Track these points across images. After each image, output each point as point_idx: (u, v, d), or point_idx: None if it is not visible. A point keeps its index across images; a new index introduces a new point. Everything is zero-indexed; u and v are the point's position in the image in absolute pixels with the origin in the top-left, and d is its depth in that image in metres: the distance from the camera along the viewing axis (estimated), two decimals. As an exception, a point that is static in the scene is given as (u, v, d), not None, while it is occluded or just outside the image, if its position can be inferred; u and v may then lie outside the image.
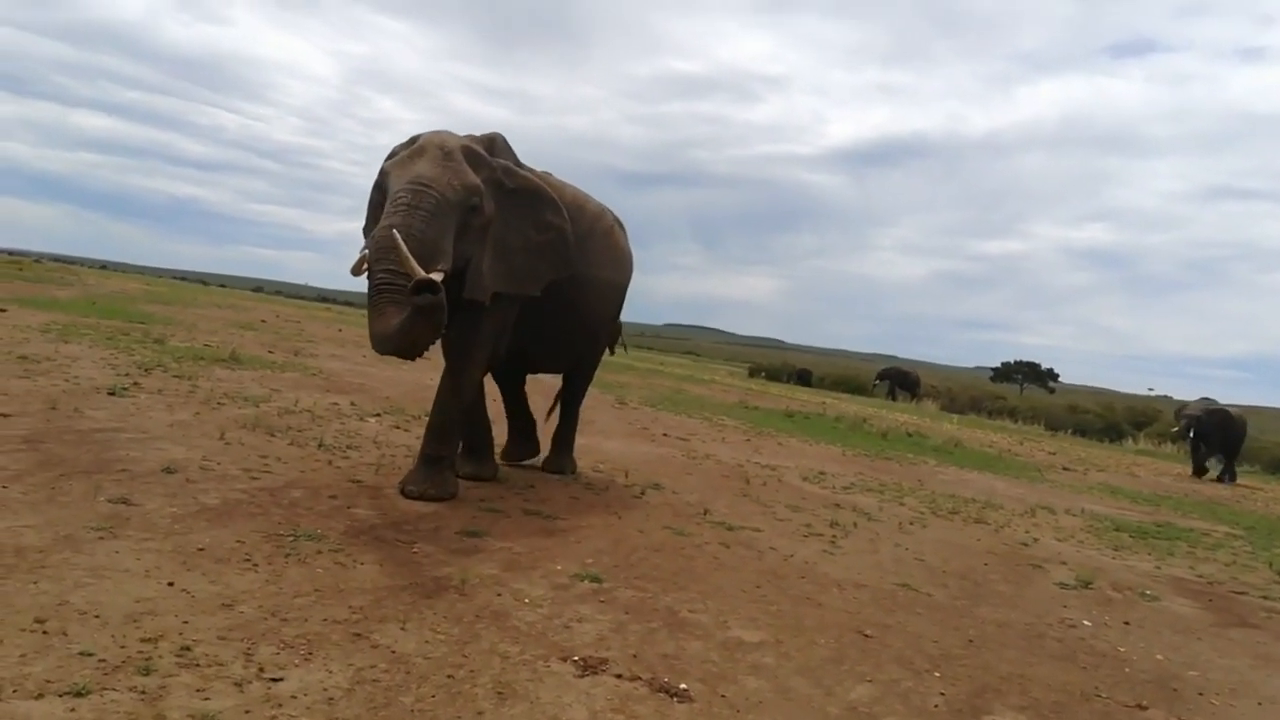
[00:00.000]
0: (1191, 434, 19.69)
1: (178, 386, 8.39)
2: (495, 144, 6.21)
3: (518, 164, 6.34)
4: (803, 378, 42.85)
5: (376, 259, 5.14)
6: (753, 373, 45.37)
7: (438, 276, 5.01)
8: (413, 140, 5.85)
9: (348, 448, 6.93)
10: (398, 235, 4.97)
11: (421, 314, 4.88)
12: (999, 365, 66.19)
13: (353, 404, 9.21)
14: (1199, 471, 19.50)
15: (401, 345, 5.08)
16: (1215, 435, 19.40)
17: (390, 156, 5.83)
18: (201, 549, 4.06)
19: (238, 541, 4.25)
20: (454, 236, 5.47)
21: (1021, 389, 58.36)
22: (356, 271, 5.38)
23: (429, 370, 6.50)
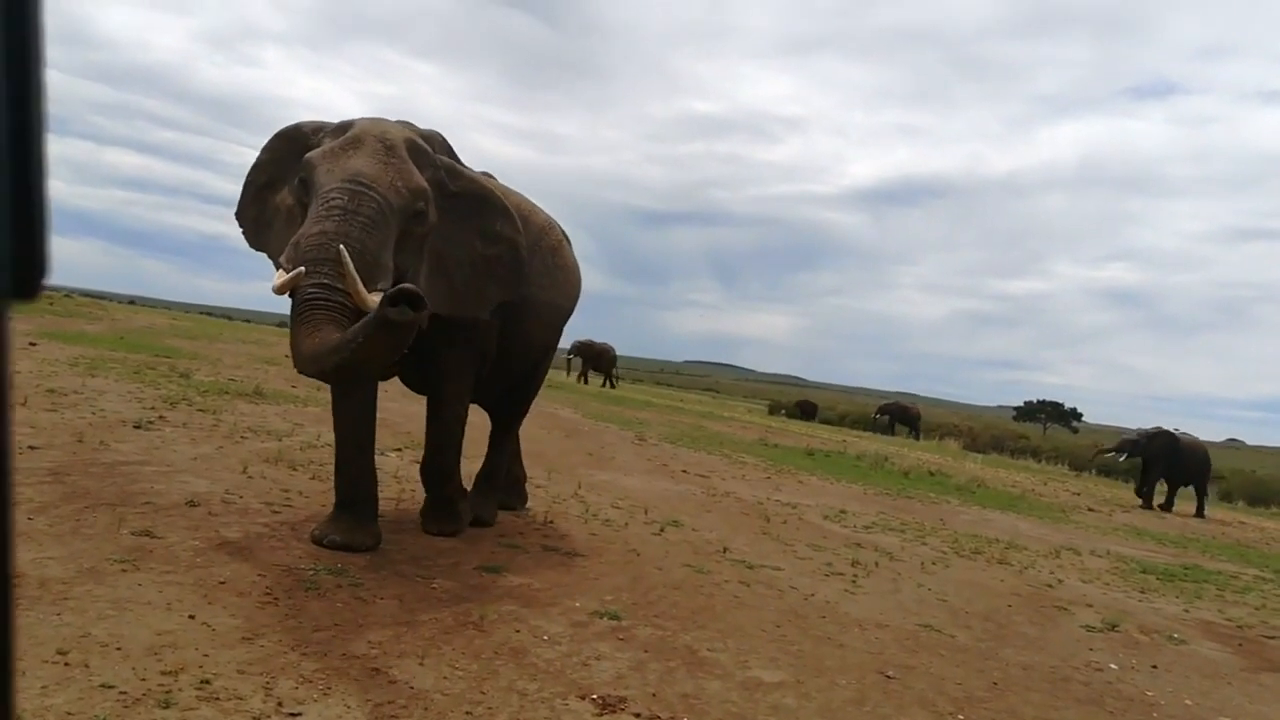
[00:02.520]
0: (1125, 457, 18.86)
1: (202, 420, 8.47)
2: (434, 143, 5.29)
3: (459, 165, 5.48)
4: (806, 410, 42.62)
5: (311, 271, 4.28)
6: (772, 410, 45.18)
7: (376, 298, 4.21)
8: (344, 127, 4.89)
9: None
10: (344, 250, 4.22)
11: (387, 329, 3.97)
12: (1022, 404, 65.62)
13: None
14: (1146, 500, 18.20)
15: (346, 361, 4.13)
16: (1161, 460, 18.21)
17: (287, 136, 5.17)
18: (223, 582, 4.08)
19: (259, 575, 4.27)
20: (393, 247, 4.65)
21: (1045, 428, 57.80)
22: (283, 289, 4.39)
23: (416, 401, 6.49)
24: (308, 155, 4.74)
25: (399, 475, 7.50)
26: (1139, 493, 18.71)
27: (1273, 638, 6.87)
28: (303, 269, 4.29)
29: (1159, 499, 18.43)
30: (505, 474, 6.90)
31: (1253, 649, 6.40)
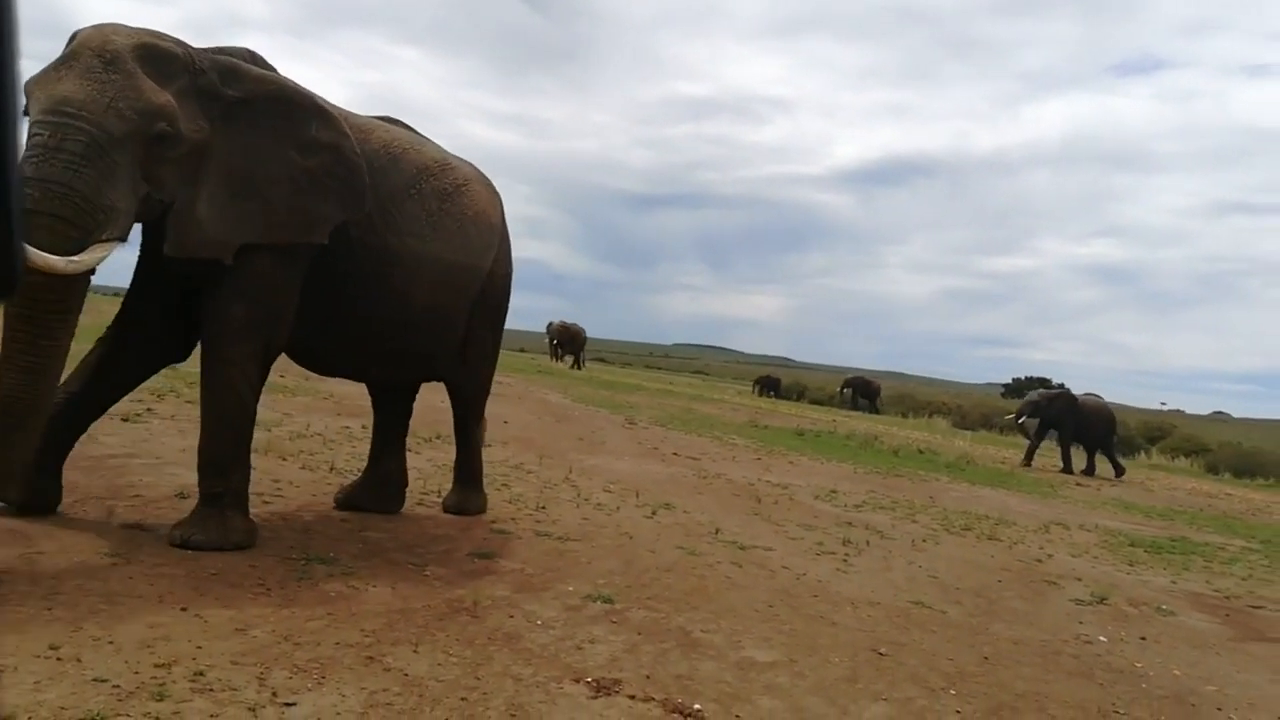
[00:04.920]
0: (1023, 420, 18.80)
1: (190, 412, 8.42)
2: (193, 50, 4.35)
3: (243, 66, 4.56)
4: (771, 385, 43.27)
5: None
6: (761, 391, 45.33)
7: (100, 254, 3.77)
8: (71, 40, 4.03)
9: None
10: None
11: None
12: (1010, 381, 65.88)
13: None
14: (1029, 459, 18.29)
15: None
16: (1066, 421, 18.09)
17: None
18: (215, 573, 4.07)
19: (250, 566, 4.26)
20: (131, 184, 3.94)
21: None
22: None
23: (439, 393, 6.47)
24: (25, 82, 3.77)
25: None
26: (1028, 451, 18.64)
27: (1259, 608, 6.95)
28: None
29: (1070, 464, 18.40)
30: (481, 469, 6.38)
31: (1240, 619, 6.47)
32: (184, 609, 3.59)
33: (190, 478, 5.77)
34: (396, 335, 5.31)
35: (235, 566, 4.22)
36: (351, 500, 5.78)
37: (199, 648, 3.24)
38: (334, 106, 4.96)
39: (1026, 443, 19.09)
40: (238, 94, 4.43)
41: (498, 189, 6.09)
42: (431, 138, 5.85)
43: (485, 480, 7.36)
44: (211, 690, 2.93)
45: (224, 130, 4.37)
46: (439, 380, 6.14)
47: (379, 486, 5.91)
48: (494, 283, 5.99)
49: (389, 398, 6.12)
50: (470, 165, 5.93)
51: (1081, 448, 18.78)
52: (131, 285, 4.76)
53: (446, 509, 6.12)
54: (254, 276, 4.50)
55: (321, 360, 5.45)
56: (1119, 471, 18.27)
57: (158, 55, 4.11)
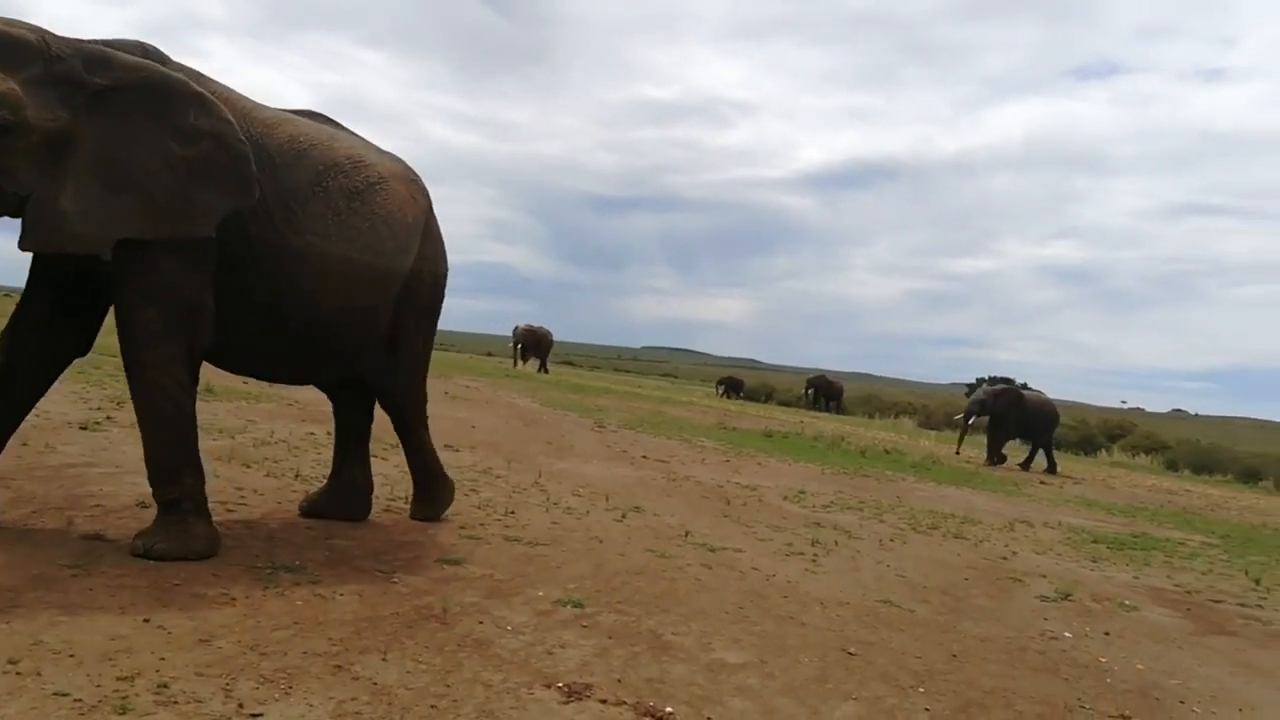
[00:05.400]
0: (972, 420, 19.05)
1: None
2: (55, 39, 4.19)
3: (113, 53, 4.36)
4: (734, 386, 43.64)
5: None
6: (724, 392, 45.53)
7: None
8: None
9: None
10: None
11: None
12: (974, 381, 66.68)
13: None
14: (993, 458, 18.55)
15: None
16: (1011, 417, 18.43)
17: None
18: (177, 584, 4.01)
19: (214, 575, 4.20)
20: None
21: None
22: None
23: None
24: None
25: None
26: (989, 451, 18.88)
27: (1219, 602, 7.09)
28: None
29: (1024, 460, 18.67)
30: (440, 469, 6.19)
31: (1200, 613, 6.60)
32: (146, 620, 3.53)
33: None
34: (303, 335, 5.11)
35: (199, 576, 4.15)
36: (317, 508, 5.71)
37: (162, 659, 3.19)
38: (240, 97, 4.88)
39: (992, 441, 19.31)
40: (106, 82, 4.24)
41: (424, 187, 5.86)
42: (362, 134, 5.64)
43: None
44: (176, 702, 2.88)
45: (91, 119, 4.20)
46: (361, 379, 5.82)
47: (344, 493, 5.82)
48: (419, 283, 5.72)
49: (348, 403, 6.00)
50: (396, 163, 5.71)
51: (1029, 444, 19.09)
52: (25, 285, 4.65)
53: (414, 518, 6.03)
54: (159, 278, 4.38)
55: (229, 360, 5.24)
56: (1051, 468, 18.53)
57: (4, 43, 3.97)
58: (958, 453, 19.15)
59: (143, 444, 4.51)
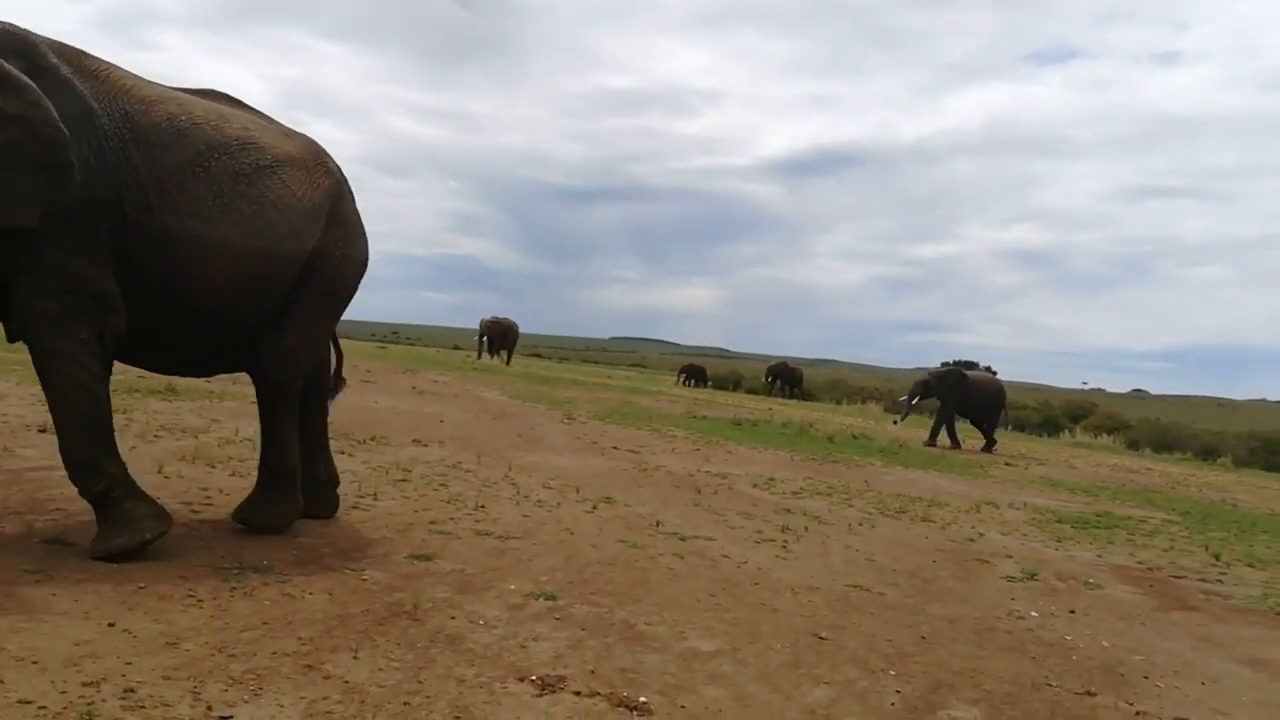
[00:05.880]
0: (916, 400, 19.31)
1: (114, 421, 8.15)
2: None
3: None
4: (696, 375, 44.17)
5: None
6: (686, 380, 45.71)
7: None
8: None
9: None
10: None
11: None
12: (939, 365, 67.43)
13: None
14: (934, 438, 18.79)
15: None
16: (955, 397, 18.60)
17: None
18: (142, 586, 3.95)
19: (180, 577, 4.14)
20: None
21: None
22: None
23: (373, 394, 6.37)
24: None
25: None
26: (933, 430, 19.12)
27: (1180, 578, 7.24)
28: None
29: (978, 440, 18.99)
30: (292, 469, 5.47)
31: (1162, 589, 6.73)
32: (111, 624, 3.48)
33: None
34: (186, 323, 4.91)
35: (164, 578, 4.09)
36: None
37: (128, 664, 3.14)
38: (123, 75, 4.70)
39: (956, 425, 19.53)
40: None
41: (334, 171, 5.56)
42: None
43: (424, 480, 7.29)
44: (143, 707, 2.84)
45: None
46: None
47: (308, 490, 5.71)
48: (322, 268, 5.37)
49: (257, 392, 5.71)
50: (301, 145, 5.45)
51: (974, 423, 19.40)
52: None
53: (234, 518, 5.31)
54: (48, 267, 4.28)
55: (123, 351, 4.96)
56: (990, 445, 18.78)
57: None
58: (895, 422, 20.11)
59: (58, 437, 4.43)
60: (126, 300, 4.58)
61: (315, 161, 5.44)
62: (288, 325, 5.33)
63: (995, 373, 23.35)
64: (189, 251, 4.68)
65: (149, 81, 4.84)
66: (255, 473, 5.87)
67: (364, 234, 5.83)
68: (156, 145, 4.58)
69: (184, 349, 5.15)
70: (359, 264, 5.77)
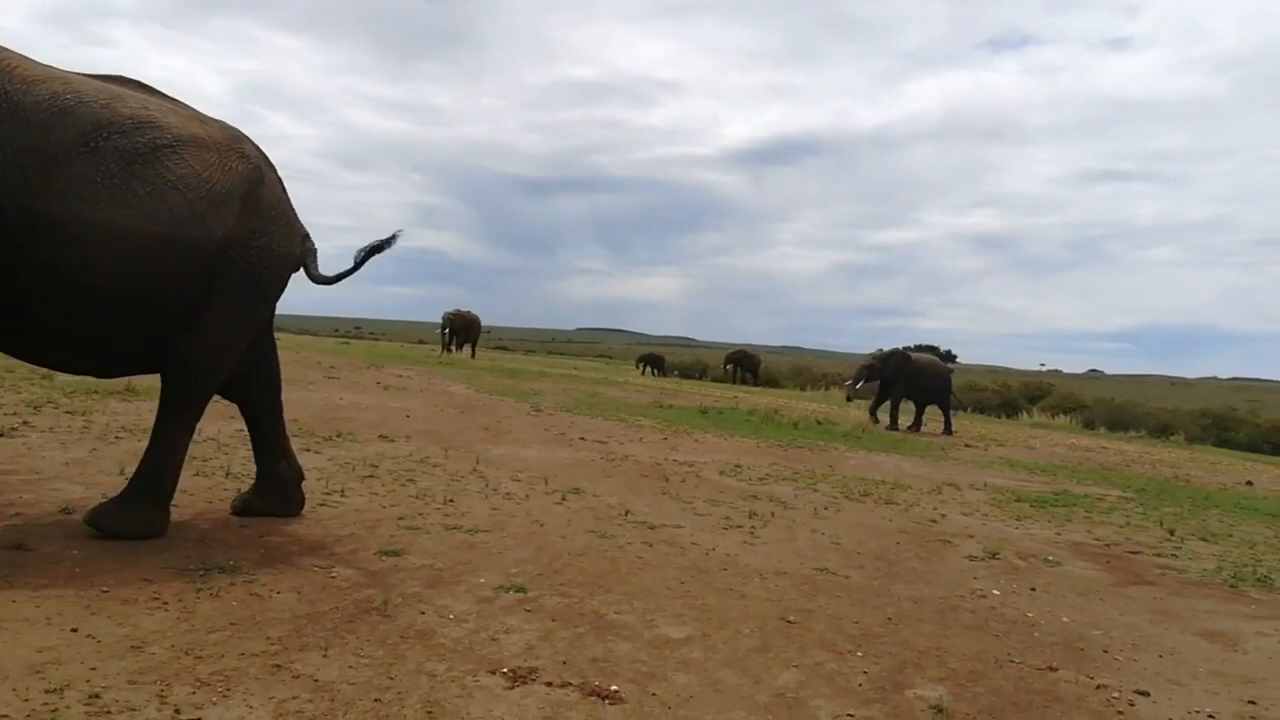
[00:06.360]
0: (860, 384, 19.50)
1: (70, 423, 8.01)
2: None
3: None
4: (654, 363, 44.66)
5: None
6: (665, 372, 45.89)
7: None
8: None
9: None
10: None
11: None
12: (902, 349, 68.15)
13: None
14: (875, 415, 19.19)
15: None
16: (898, 380, 18.69)
17: None
18: (106, 591, 3.90)
19: (144, 580, 4.10)
20: None
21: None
22: None
23: (338, 390, 6.32)
24: None
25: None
26: (872, 412, 19.42)
27: (1137, 553, 7.41)
28: None
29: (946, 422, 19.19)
30: (166, 482, 5.04)
31: (1120, 564, 6.90)
32: (74, 630, 3.44)
33: (75, 492, 5.51)
34: (81, 314, 4.60)
35: (128, 581, 4.05)
36: (249, 506, 5.59)
37: (93, 669, 3.11)
38: (8, 54, 4.49)
39: (878, 403, 19.64)
40: None
41: (252, 156, 5.22)
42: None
43: (391, 476, 7.25)
44: (109, 712, 2.82)
45: None
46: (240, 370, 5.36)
47: (273, 488, 5.67)
48: (239, 258, 5.02)
49: (247, 396, 5.68)
50: (216, 127, 5.14)
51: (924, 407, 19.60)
52: None
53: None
54: None
55: (13, 346, 4.73)
56: (949, 428, 18.96)
57: None
58: (849, 399, 21.09)
59: None
60: (9, 288, 4.36)
61: (228, 144, 5.09)
62: (203, 321, 4.98)
63: (955, 358, 23.65)
64: (75, 236, 4.40)
65: (36, 62, 4.65)
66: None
67: (295, 225, 5.49)
68: (37, 125, 4.33)
69: (84, 343, 4.80)
70: (284, 256, 5.36)
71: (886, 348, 19.66)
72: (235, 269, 5.04)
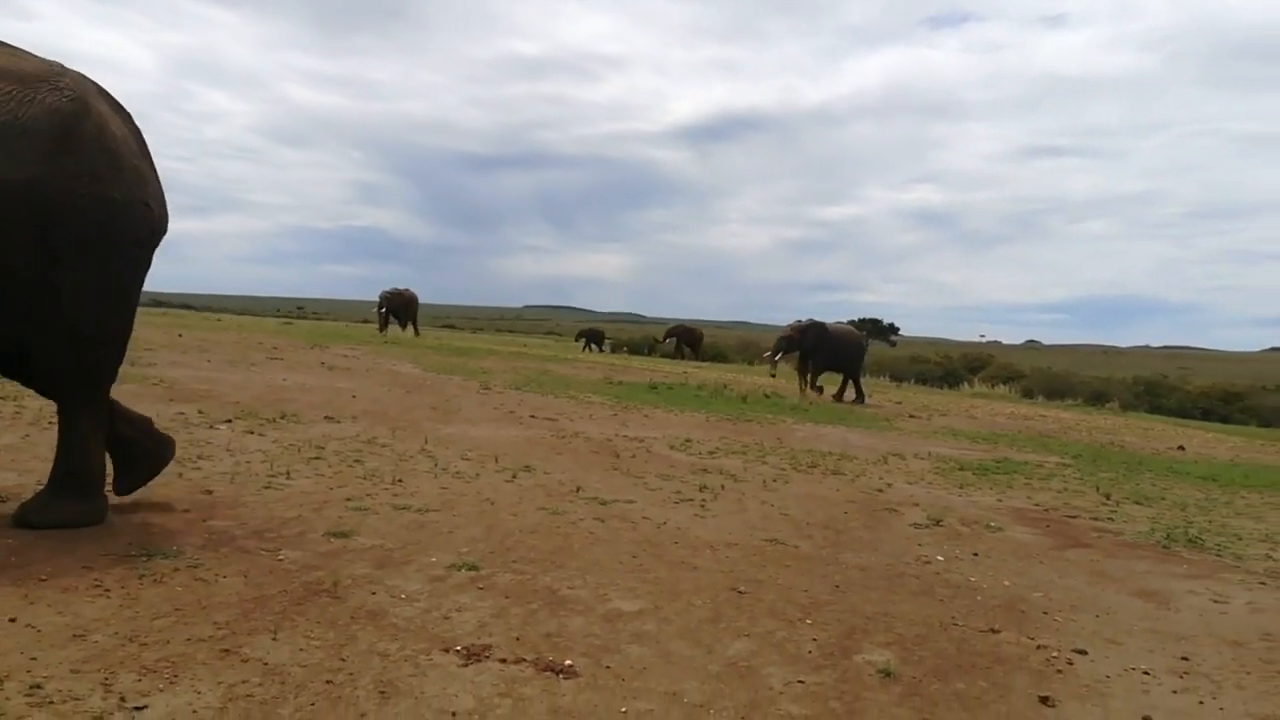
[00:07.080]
0: (780, 355, 19.91)
1: (1, 409, 7.76)
2: None
3: None
4: (594, 338, 44.64)
5: None
6: (614, 348, 45.85)
7: None
8: None
9: (198, 458, 6.60)
10: None
11: None
12: (845, 323, 69.08)
13: (200, 412, 8.75)
14: (802, 384, 19.58)
15: None
16: (819, 350, 19.15)
17: None
18: (44, 579, 3.80)
19: (84, 568, 4.00)
20: None
21: (867, 344, 61.44)
22: None
23: (281, 371, 6.19)
24: None
25: (230, 448, 7.15)
26: (800, 382, 19.83)
27: (1075, 517, 7.64)
28: None
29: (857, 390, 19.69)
30: (90, 470, 4.72)
31: (1058, 529, 7.10)
32: (13, 620, 3.34)
33: (7, 479, 5.34)
34: None
35: (68, 569, 3.95)
36: (129, 481, 5.20)
37: (33, 659, 3.03)
38: None
39: (862, 380, 20.07)
40: None
41: (76, 90, 4.47)
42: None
43: (338, 457, 7.16)
44: (51, 703, 2.75)
45: None
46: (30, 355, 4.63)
47: (130, 451, 5.15)
48: (69, 211, 4.35)
49: (36, 388, 4.94)
50: (31, 60, 4.52)
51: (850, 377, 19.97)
52: None
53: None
54: None
55: None
56: (860, 398, 19.46)
57: None
58: (773, 375, 21.61)
59: None
60: None
61: (39, 76, 4.39)
62: (48, 293, 4.36)
63: (898, 330, 24.06)
64: None
65: None
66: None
67: (137, 171, 4.74)
68: None
69: None
70: (131, 207, 4.63)
71: (804, 319, 19.92)
72: (69, 225, 4.37)
